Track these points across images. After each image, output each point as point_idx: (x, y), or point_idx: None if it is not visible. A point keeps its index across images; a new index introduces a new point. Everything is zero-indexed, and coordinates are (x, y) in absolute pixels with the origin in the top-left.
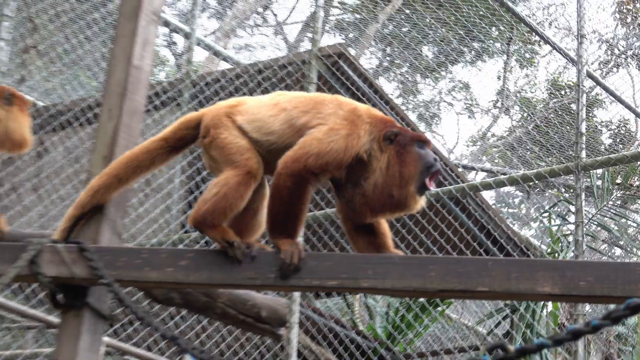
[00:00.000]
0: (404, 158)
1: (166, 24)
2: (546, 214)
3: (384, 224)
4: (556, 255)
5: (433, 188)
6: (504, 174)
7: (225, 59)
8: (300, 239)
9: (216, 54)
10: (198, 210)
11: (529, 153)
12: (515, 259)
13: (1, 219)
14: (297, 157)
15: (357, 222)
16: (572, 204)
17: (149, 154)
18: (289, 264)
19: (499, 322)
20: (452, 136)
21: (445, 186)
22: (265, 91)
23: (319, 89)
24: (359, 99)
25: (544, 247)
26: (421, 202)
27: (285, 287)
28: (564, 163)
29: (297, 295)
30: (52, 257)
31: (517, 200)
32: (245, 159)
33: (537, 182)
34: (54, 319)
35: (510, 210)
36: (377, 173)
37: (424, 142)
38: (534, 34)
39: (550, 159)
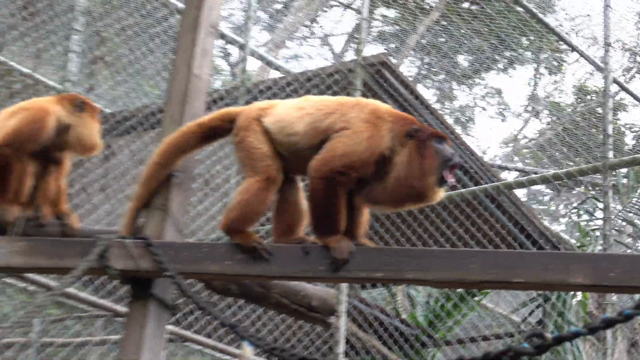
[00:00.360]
0: (423, 152)
1: (222, 36)
2: (575, 210)
3: (365, 216)
4: (585, 248)
5: (451, 180)
6: (535, 173)
7: (277, 68)
8: None
9: (269, 63)
10: (227, 218)
11: (557, 153)
12: (549, 252)
13: (73, 217)
14: (325, 161)
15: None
16: (600, 201)
17: (183, 137)
18: (339, 258)
19: (532, 311)
20: (486, 138)
21: (482, 185)
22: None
23: (363, 96)
24: (400, 105)
25: (573, 241)
26: (440, 194)
27: (335, 279)
28: (591, 163)
29: (344, 286)
30: (120, 252)
31: (546, 198)
32: (265, 165)
33: (567, 180)
34: (121, 308)
35: (540, 207)
36: (399, 167)
37: (442, 138)
38: (562, 43)
39: (578, 158)
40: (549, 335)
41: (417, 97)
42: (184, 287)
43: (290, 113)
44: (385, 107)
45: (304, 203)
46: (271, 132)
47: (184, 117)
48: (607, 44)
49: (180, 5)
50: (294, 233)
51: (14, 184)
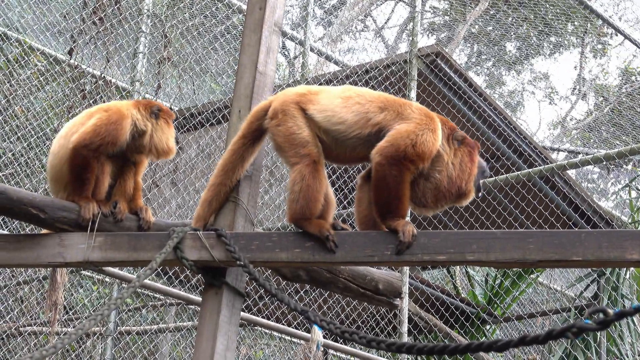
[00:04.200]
0: (472, 158)
1: (282, 33)
2: (626, 188)
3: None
4: (637, 225)
5: (480, 191)
6: (585, 153)
7: (336, 62)
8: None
9: (327, 58)
10: (293, 209)
11: (604, 134)
12: (605, 230)
13: (148, 212)
14: (397, 145)
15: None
16: None
17: (236, 154)
18: (404, 242)
19: (588, 285)
20: (535, 121)
21: (536, 167)
22: (373, 89)
23: (419, 85)
24: (455, 92)
25: (624, 218)
26: (472, 197)
27: (400, 263)
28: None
29: (406, 268)
30: (194, 243)
31: (595, 176)
32: (308, 150)
33: (618, 160)
34: (193, 297)
35: (589, 185)
36: (451, 167)
37: (479, 150)
38: (606, 26)
39: (625, 137)
40: (611, 311)
41: (471, 84)
42: (256, 275)
43: (337, 103)
44: (425, 108)
45: (330, 191)
46: (317, 121)
47: (250, 112)
48: None
49: (241, 4)
50: (324, 220)
51: (92, 182)
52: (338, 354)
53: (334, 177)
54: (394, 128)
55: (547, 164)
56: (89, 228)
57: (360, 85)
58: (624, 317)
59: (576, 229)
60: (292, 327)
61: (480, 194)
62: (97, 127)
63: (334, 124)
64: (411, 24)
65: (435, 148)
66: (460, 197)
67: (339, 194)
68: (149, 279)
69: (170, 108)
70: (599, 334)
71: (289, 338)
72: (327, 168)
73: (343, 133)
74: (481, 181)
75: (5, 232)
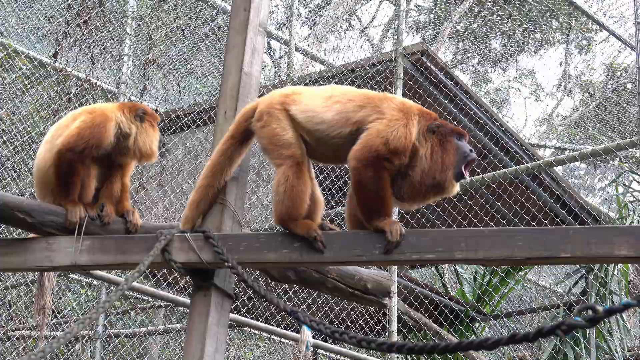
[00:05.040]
0: (445, 147)
1: (268, 33)
2: (612, 183)
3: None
4: (624, 220)
5: (467, 176)
6: (572, 150)
7: (322, 61)
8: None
9: (313, 57)
10: (279, 210)
11: (591, 129)
12: (594, 226)
13: (135, 214)
14: (369, 147)
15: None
16: (637, 174)
17: (224, 155)
18: (393, 241)
19: (576, 282)
20: (521, 118)
21: (523, 164)
22: (359, 88)
23: (405, 84)
24: (441, 91)
25: (611, 214)
26: (457, 187)
27: (389, 262)
28: (627, 137)
29: (395, 267)
30: (182, 245)
31: (582, 172)
32: (292, 152)
33: (605, 156)
34: (182, 299)
35: (576, 181)
36: (423, 160)
37: (461, 135)
38: (591, 22)
39: (612, 133)
40: (600, 308)
41: (457, 82)
42: (245, 277)
43: (318, 103)
44: (410, 101)
45: (318, 191)
46: (299, 121)
47: (236, 112)
48: (639, 23)
49: (226, 5)
50: (312, 220)
51: (79, 186)
52: (327, 354)
53: (321, 176)
54: (368, 128)
55: (534, 160)
56: (76, 231)
57: (347, 84)
58: (613, 313)
59: (564, 226)
60: (281, 328)
61: (463, 180)
62: (81, 130)
63: (316, 124)
64: (396, 22)
65: (410, 142)
66: (438, 190)
67: (326, 193)
68: (137, 282)
69: (156, 110)
70: (588, 330)
71: (278, 339)
72: (315, 168)
73: (325, 132)
74: (464, 168)
75: None
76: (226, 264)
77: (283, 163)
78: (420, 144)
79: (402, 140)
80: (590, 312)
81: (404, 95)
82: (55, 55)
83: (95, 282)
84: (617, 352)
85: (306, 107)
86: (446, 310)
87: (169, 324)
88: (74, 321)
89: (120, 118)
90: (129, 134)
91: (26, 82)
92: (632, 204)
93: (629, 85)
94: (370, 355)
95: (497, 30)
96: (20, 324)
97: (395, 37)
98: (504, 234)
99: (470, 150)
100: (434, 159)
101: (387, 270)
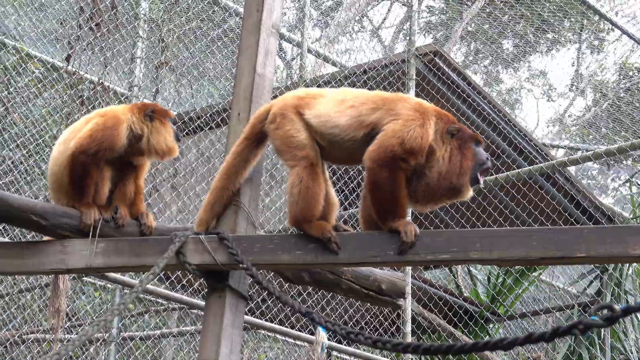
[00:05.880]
0: (464, 151)
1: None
2: (626, 183)
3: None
4: (638, 220)
5: (482, 183)
6: (586, 150)
7: (334, 63)
8: None
9: (325, 59)
10: (293, 212)
11: (603, 130)
12: (608, 226)
13: (149, 216)
14: (385, 148)
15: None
16: None
17: (239, 156)
18: (407, 242)
19: (591, 282)
20: (533, 118)
21: (536, 164)
22: (371, 89)
23: (417, 85)
24: (454, 91)
25: (625, 213)
26: (471, 192)
27: (404, 263)
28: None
29: (409, 268)
30: (196, 247)
31: (595, 172)
32: (306, 153)
33: (619, 155)
34: (196, 301)
35: (589, 182)
36: (441, 162)
37: (479, 141)
38: (603, 22)
39: (624, 133)
40: (617, 307)
41: (470, 83)
42: (259, 278)
43: (331, 107)
44: (426, 102)
45: (333, 192)
46: (312, 125)
47: (250, 114)
48: None
49: (238, 7)
50: (327, 222)
51: (92, 188)
52: (341, 355)
53: (334, 178)
54: (383, 129)
55: (548, 161)
56: (90, 234)
57: (359, 85)
58: (630, 313)
59: (579, 226)
60: (295, 330)
61: (477, 186)
62: (93, 133)
63: (329, 128)
64: (408, 23)
65: (426, 142)
66: (454, 193)
67: (339, 195)
68: (151, 284)
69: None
70: (603, 330)
71: (292, 340)
72: (328, 169)
73: (339, 136)
74: (479, 174)
75: (7, 240)
76: (241, 265)
77: (297, 164)
78: (438, 145)
79: (419, 140)
80: (607, 311)
81: (417, 96)
82: (67, 59)
83: (109, 285)
84: (632, 352)
85: (319, 112)
86: (460, 311)
87: (182, 327)
88: (89, 324)
89: (131, 119)
90: (141, 135)
91: (39, 86)
92: None
93: None
94: (384, 357)
95: (509, 31)
96: (34, 327)
97: (407, 38)
98: (519, 234)
99: (487, 158)
100: (452, 162)
101: (401, 271)
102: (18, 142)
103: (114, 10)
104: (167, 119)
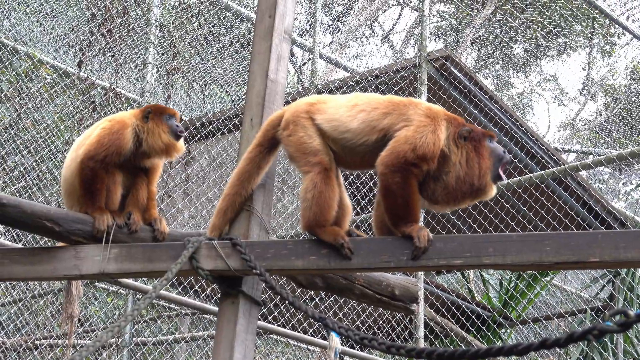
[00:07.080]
0: (480, 152)
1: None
2: (638, 187)
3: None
4: None
5: (504, 178)
6: (598, 154)
7: (345, 68)
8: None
9: (336, 64)
10: (307, 217)
11: (614, 134)
12: (622, 230)
13: (162, 222)
14: (397, 154)
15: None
16: None
17: (252, 162)
18: (420, 247)
19: (604, 286)
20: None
21: (548, 168)
22: (383, 94)
23: (429, 89)
24: (465, 96)
25: (637, 218)
26: (495, 189)
27: (417, 268)
28: None
29: (421, 273)
30: (209, 253)
31: (606, 176)
32: (319, 159)
33: (631, 159)
34: (209, 306)
35: (600, 186)
36: (458, 166)
37: (492, 137)
38: (614, 26)
39: (635, 137)
40: (632, 313)
41: (482, 87)
42: (273, 284)
43: (342, 112)
44: (436, 106)
45: (346, 198)
46: (324, 130)
47: (262, 119)
48: None
49: (249, 13)
50: (340, 227)
51: (104, 193)
52: None
53: (346, 183)
54: (395, 135)
55: (559, 165)
56: (103, 240)
57: (371, 90)
58: None
59: (592, 230)
60: (308, 335)
61: (500, 182)
62: (100, 138)
63: (341, 132)
64: (419, 28)
65: (438, 148)
66: (477, 194)
67: (351, 200)
68: (164, 290)
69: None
70: (615, 335)
71: (305, 346)
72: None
73: (351, 141)
74: (500, 170)
75: (20, 245)
76: (254, 271)
77: (311, 170)
78: (451, 149)
79: (431, 146)
80: (621, 317)
81: (428, 100)
82: (79, 65)
83: (121, 291)
84: None
85: (331, 117)
86: (473, 316)
87: (195, 332)
88: (102, 329)
89: (135, 123)
90: (142, 137)
91: (51, 92)
92: None
93: None
94: None
95: (519, 35)
96: (47, 332)
97: (418, 43)
98: (532, 238)
99: (504, 152)
100: (470, 165)
101: (413, 276)
102: (30, 148)
103: (126, 17)
104: (162, 116)
